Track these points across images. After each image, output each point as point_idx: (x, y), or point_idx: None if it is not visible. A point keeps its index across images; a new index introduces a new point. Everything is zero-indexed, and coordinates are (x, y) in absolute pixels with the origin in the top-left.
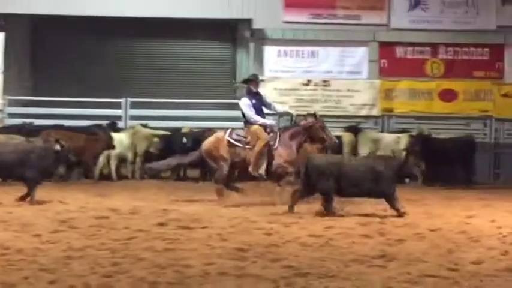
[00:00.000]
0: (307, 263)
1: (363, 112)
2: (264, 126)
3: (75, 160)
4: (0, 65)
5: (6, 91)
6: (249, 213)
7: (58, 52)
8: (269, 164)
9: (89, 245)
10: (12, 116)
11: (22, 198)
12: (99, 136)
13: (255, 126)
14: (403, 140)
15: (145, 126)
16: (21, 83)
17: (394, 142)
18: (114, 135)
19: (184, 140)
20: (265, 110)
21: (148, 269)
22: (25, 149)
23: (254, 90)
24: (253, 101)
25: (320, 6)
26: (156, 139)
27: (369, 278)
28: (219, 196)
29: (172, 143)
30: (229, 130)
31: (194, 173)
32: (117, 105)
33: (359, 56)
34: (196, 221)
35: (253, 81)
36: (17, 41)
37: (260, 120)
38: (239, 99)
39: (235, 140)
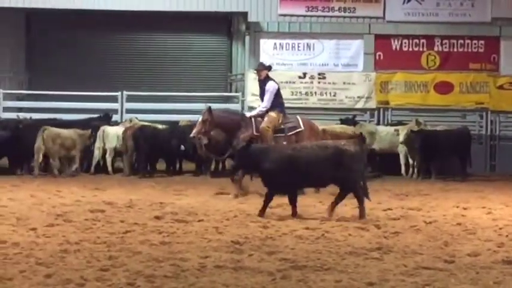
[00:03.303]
0: (304, 255)
1: (359, 105)
2: None
3: None
4: None
5: (0, 85)
6: (244, 206)
7: (54, 46)
8: None
9: (85, 238)
10: (6, 110)
11: None
12: None
13: None
14: (402, 133)
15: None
16: (16, 77)
17: (391, 135)
18: (111, 128)
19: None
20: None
21: (144, 263)
22: None
23: (259, 78)
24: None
25: None
26: None
27: (365, 270)
28: None
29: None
30: None
31: (189, 166)
32: (113, 99)
33: (355, 48)
34: (192, 214)
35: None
36: (11, 35)
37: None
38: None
39: None
